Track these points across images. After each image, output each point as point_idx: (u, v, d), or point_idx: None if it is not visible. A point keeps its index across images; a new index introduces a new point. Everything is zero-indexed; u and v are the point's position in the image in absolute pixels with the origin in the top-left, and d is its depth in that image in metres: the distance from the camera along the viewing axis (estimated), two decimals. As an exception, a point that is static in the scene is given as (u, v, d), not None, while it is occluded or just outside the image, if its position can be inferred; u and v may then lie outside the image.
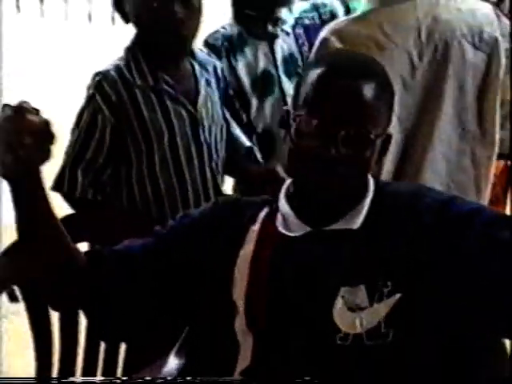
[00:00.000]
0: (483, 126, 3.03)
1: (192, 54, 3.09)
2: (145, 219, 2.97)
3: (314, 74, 2.20)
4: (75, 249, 2.30)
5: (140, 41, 3.03)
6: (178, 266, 2.32)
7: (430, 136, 2.98)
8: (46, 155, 2.09)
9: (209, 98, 3.11)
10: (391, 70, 2.69)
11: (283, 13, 3.66)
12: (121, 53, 3.09)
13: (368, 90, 2.17)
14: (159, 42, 2.98)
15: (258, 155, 3.34)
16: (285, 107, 2.37)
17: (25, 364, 3.33)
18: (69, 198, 3.02)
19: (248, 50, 3.45)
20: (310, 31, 3.59)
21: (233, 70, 3.62)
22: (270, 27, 3.55)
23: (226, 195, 3.18)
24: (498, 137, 3.05)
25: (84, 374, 2.97)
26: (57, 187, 3.00)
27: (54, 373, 2.95)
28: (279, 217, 2.29)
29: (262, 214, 2.33)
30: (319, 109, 2.16)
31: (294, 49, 3.63)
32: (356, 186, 2.25)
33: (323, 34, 2.92)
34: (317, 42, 2.94)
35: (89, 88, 2.97)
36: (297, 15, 3.68)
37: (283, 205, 2.30)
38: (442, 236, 2.18)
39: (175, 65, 3.05)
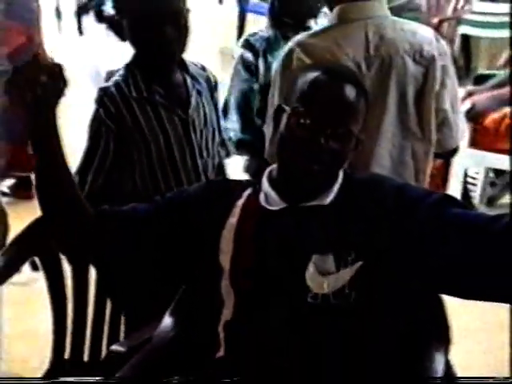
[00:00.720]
0: (422, 127, 3.06)
1: (185, 68, 3.09)
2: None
3: (310, 76, 2.28)
4: (85, 201, 2.37)
5: (137, 58, 3.05)
6: (173, 230, 2.36)
7: (377, 135, 3.03)
8: (59, 93, 2.25)
9: (201, 106, 3.11)
10: None
11: (311, 23, 3.75)
12: (121, 69, 3.08)
13: (353, 95, 2.26)
14: (152, 59, 2.99)
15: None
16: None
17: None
18: None
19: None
20: None
21: (268, 67, 3.67)
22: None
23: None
24: (434, 137, 3.08)
25: (92, 337, 2.96)
26: None
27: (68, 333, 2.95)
28: (262, 194, 2.34)
29: (247, 191, 2.37)
30: (314, 108, 2.24)
31: None
32: (334, 173, 2.32)
33: (290, 44, 2.99)
34: (284, 51, 3.01)
35: (95, 101, 3.00)
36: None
37: (265, 185, 2.35)
38: (398, 217, 2.22)
39: (167, 78, 3.04)
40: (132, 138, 2.97)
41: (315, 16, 3.84)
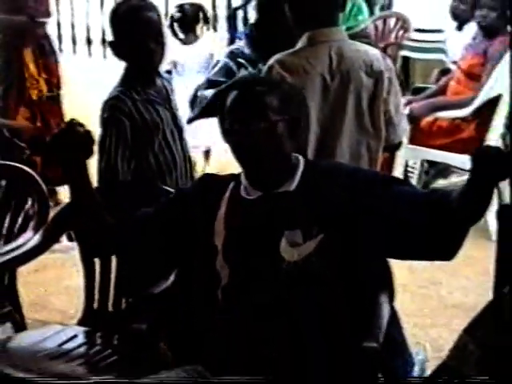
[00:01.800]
0: (374, 126, 3.07)
1: (160, 75, 3.17)
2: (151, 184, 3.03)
3: (228, 98, 2.25)
4: (105, 213, 2.34)
5: (129, 72, 3.10)
6: (175, 222, 2.31)
7: (339, 133, 3.05)
8: (89, 154, 2.25)
9: (175, 101, 3.20)
10: (312, 86, 2.91)
11: None
12: (118, 82, 3.13)
13: (257, 93, 2.22)
14: (141, 67, 3.06)
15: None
16: None
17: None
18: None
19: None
20: None
21: None
22: None
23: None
24: (383, 134, 3.09)
25: (115, 292, 2.91)
26: (104, 179, 3.04)
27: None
28: (242, 187, 2.29)
29: (231, 185, 2.31)
30: (229, 113, 2.23)
31: None
32: (280, 160, 2.24)
33: (270, 62, 3.02)
34: (265, 67, 3.04)
35: (105, 110, 3.02)
36: None
37: (243, 179, 2.30)
38: (355, 194, 2.18)
39: (154, 83, 3.11)
40: (140, 129, 3.02)
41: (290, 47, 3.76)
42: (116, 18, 3.08)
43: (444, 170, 5.15)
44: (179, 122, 3.17)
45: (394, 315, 2.40)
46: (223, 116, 2.25)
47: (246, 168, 2.27)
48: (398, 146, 3.32)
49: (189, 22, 5.39)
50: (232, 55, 3.60)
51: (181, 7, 5.50)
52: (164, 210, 2.36)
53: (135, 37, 2.98)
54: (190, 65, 5.32)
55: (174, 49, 4.99)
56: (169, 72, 5.09)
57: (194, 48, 5.42)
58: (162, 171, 3.09)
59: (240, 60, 3.56)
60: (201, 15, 5.51)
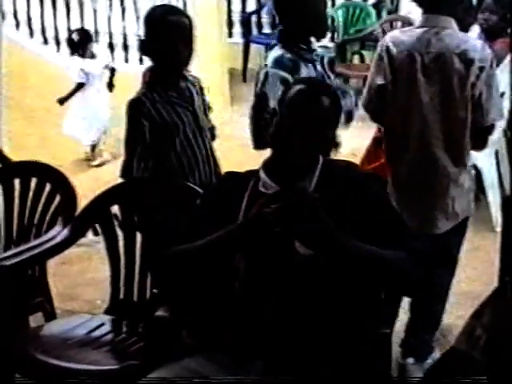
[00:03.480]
0: (461, 107, 3.12)
1: (185, 78, 3.19)
2: (173, 183, 3.04)
3: (295, 88, 2.28)
4: None
5: (155, 74, 3.16)
6: (208, 223, 2.26)
7: (428, 107, 3.15)
8: None
9: (200, 102, 3.22)
10: (409, 61, 3.16)
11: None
12: (142, 84, 3.24)
13: (326, 104, 2.25)
14: (168, 68, 3.11)
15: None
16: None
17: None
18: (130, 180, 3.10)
19: (303, 70, 3.38)
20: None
21: None
22: (310, 55, 3.48)
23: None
24: (470, 116, 3.14)
25: (139, 283, 2.91)
26: (123, 175, 3.09)
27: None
28: (260, 182, 2.28)
29: (251, 182, 2.30)
30: (295, 113, 2.23)
31: (321, 69, 3.57)
32: (312, 157, 2.27)
33: (384, 39, 3.26)
34: (379, 44, 3.27)
35: (127, 111, 3.08)
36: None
37: (262, 174, 2.29)
38: (359, 200, 2.22)
39: (177, 85, 3.15)
40: (159, 129, 3.05)
41: (322, 36, 3.67)
42: (150, 18, 3.13)
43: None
44: (201, 123, 3.18)
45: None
46: (288, 99, 2.26)
47: (279, 151, 2.26)
48: (489, 130, 3.24)
49: (83, 42, 6.53)
50: (280, 64, 3.42)
51: (75, 31, 6.83)
52: (198, 218, 2.33)
53: (166, 37, 3.03)
54: (93, 74, 6.46)
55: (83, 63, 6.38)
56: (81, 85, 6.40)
57: (95, 61, 6.51)
58: (185, 170, 3.11)
59: (288, 67, 3.42)
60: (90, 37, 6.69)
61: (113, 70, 6.52)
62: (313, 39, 3.47)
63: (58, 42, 7.88)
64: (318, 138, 2.23)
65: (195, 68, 3.29)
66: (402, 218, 2.32)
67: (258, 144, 3.48)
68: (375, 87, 3.21)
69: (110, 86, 6.48)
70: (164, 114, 3.06)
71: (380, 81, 3.19)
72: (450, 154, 3.16)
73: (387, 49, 3.17)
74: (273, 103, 3.43)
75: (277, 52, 3.48)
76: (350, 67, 7.93)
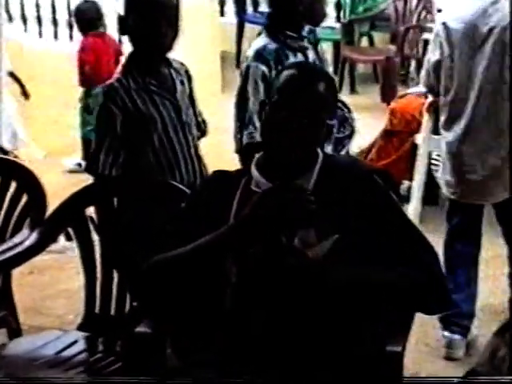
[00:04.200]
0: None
1: (169, 64, 3.17)
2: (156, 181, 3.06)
3: (287, 73, 2.26)
4: None
5: (133, 57, 3.13)
6: (197, 221, 2.26)
7: (482, 79, 3.42)
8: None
9: (184, 93, 3.19)
10: (466, 33, 3.41)
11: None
12: (119, 68, 3.19)
13: (322, 88, 2.24)
14: (148, 49, 3.08)
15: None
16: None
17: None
18: (96, 175, 3.11)
19: (291, 60, 3.44)
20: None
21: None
22: (301, 43, 3.55)
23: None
24: None
25: (118, 295, 2.92)
26: (88, 169, 3.14)
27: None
28: (253, 181, 2.28)
29: (243, 180, 2.29)
30: (289, 99, 2.21)
31: (315, 56, 3.65)
32: (308, 152, 2.25)
33: (440, 17, 3.55)
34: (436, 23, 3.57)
35: (99, 97, 3.07)
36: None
37: (255, 172, 2.28)
38: (365, 200, 2.22)
39: (157, 71, 3.13)
40: (134, 122, 3.04)
41: (317, 24, 3.77)
42: None
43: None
44: (184, 117, 3.15)
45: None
46: (277, 88, 2.25)
47: (272, 147, 2.25)
48: None
49: None
50: (261, 57, 3.49)
51: None
52: (183, 221, 2.32)
53: (147, 15, 3.00)
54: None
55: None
56: None
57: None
58: (163, 170, 3.10)
59: (270, 61, 3.47)
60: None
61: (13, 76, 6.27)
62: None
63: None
64: (315, 129, 2.22)
65: (181, 51, 3.23)
66: (412, 223, 2.31)
67: (238, 148, 3.52)
68: (432, 63, 3.54)
69: (25, 94, 6.38)
70: (139, 103, 3.04)
71: (436, 56, 3.50)
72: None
73: (444, 24, 3.45)
74: (252, 100, 3.47)
75: (260, 42, 3.50)
76: (357, 51, 7.93)
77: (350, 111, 3.79)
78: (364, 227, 2.19)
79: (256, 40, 3.63)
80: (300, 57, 3.54)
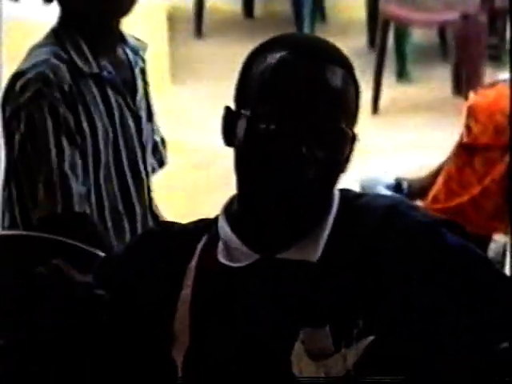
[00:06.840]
0: None
1: (124, 40, 2.31)
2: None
3: (267, 61, 1.49)
4: None
5: (71, 21, 2.22)
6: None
7: None
8: None
9: (143, 90, 2.33)
10: None
11: None
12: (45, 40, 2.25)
13: (338, 78, 1.50)
14: (93, 17, 2.22)
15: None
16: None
17: None
18: None
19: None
20: None
21: None
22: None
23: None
24: None
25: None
26: None
27: None
28: (220, 244, 1.57)
29: (200, 244, 1.59)
30: (283, 104, 1.46)
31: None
32: (322, 196, 1.54)
33: None
34: None
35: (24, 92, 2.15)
36: None
37: (224, 229, 1.57)
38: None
39: (112, 50, 2.25)
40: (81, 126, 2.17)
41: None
42: None
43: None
44: (145, 131, 2.28)
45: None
46: (260, 95, 1.48)
47: (256, 193, 1.51)
48: None
49: None
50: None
51: None
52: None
53: None
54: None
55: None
56: None
57: None
58: (106, 224, 2.23)
59: None
60: None
61: None
62: None
63: None
64: (336, 160, 1.50)
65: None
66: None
67: None
68: None
69: None
70: (89, 100, 2.16)
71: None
72: None
73: None
74: None
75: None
76: (411, 5, 5.23)
77: None
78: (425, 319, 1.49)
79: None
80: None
